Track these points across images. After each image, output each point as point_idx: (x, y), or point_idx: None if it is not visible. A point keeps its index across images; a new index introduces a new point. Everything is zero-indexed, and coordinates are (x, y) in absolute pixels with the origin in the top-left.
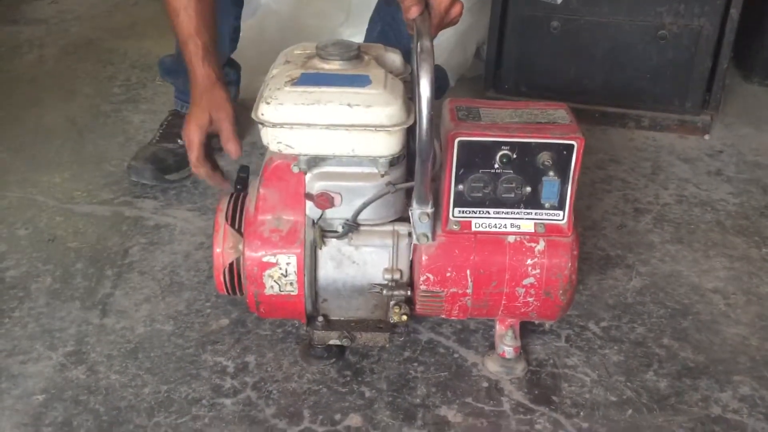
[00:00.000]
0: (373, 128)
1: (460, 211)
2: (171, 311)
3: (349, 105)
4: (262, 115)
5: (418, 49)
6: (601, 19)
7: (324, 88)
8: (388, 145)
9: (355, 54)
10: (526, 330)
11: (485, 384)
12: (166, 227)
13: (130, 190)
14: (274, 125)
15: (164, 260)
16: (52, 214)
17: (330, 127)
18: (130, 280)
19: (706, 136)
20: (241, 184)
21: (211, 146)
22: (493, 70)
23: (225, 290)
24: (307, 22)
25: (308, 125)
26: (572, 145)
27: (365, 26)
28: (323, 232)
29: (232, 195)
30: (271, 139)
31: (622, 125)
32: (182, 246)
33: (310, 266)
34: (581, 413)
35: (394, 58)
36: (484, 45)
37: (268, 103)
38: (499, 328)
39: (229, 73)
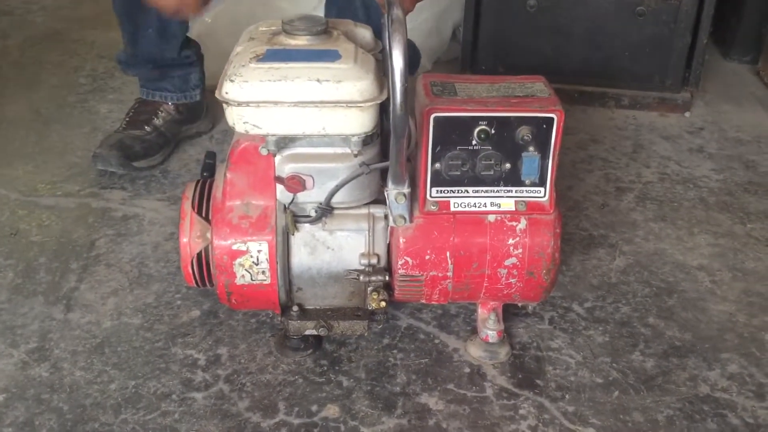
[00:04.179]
0: (345, 105)
1: (437, 191)
2: (139, 304)
3: (318, 81)
4: (227, 93)
5: (390, 20)
6: None
7: (291, 64)
8: (360, 122)
9: (322, 28)
10: (509, 313)
11: (467, 369)
12: (135, 218)
13: (97, 181)
14: (239, 104)
15: (132, 252)
16: (15, 208)
17: (298, 105)
18: (96, 273)
19: (687, 114)
20: (208, 170)
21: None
22: (469, 52)
23: (194, 282)
24: (279, 5)
25: (275, 103)
26: (552, 119)
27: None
28: (295, 217)
29: (198, 181)
30: (236, 119)
31: (602, 104)
32: (151, 237)
33: (282, 253)
34: (566, 396)
35: (364, 33)
36: (461, 27)
37: (232, 81)
38: (481, 311)
39: (189, 54)
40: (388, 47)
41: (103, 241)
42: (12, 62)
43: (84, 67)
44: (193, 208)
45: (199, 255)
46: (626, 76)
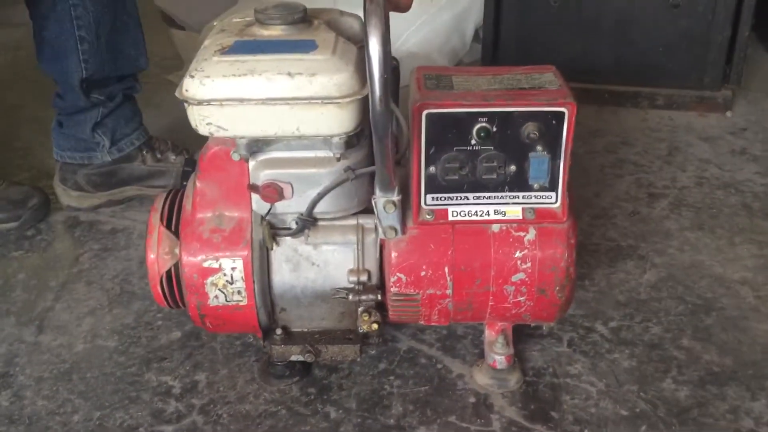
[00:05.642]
0: (320, 101)
1: (433, 198)
2: (117, 325)
3: (289, 74)
4: (186, 91)
5: (366, 1)
6: None
7: (259, 56)
8: (339, 121)
9: (300, 17)
10: (522, 333)
11: (472, 399)
12: (123, 231)
13: None
14: (199, 102)
15: (117, 267)
16: None
17: (267, 102)
18: (75, 291)
19: (728, 113)
20: (188, 179)
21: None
22: (491, 52)
23: (165, 302)
24: None
25: (241, 101)
26: (562, 113)
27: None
28: (274, 230)
29: (170, 192)
30: (198, 119)
31: (634, 105)
32: (138, 251)
33: (260, 271)
34: (585, 431)
35: (352, 22)
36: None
37: (192, 77)
38: (488, 333)
39: None
40: (364, 30)
41: (88, 255)
42: (22, 73)
43: None
44: (161, 221)
45: (168, 273)
46: (661, 73)
